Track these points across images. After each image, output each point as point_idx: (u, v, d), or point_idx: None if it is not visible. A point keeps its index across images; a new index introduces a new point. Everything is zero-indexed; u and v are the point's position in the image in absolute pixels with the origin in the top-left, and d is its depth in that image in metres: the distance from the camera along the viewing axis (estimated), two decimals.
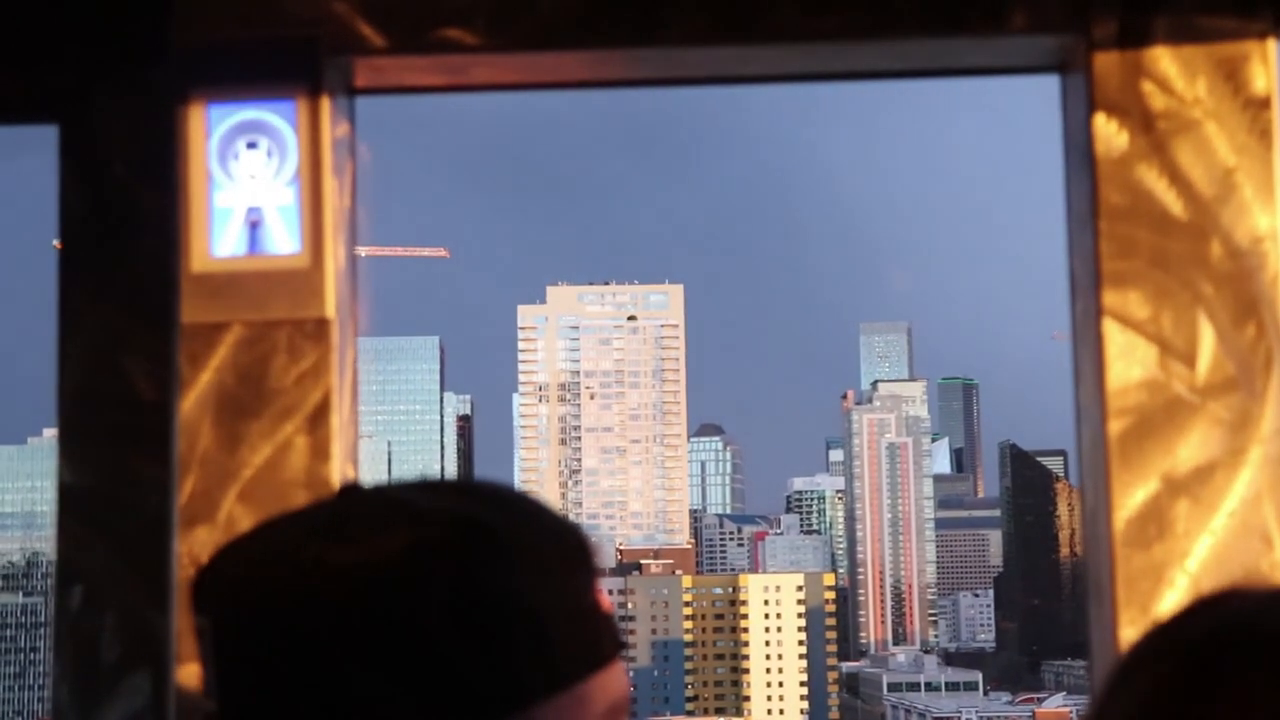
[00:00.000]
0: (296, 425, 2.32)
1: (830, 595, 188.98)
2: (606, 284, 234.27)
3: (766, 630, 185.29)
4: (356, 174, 2.44)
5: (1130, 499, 2.30)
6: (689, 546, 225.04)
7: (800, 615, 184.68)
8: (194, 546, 2.29)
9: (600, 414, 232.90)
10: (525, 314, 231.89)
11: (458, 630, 1.26)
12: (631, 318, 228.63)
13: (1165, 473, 2.31)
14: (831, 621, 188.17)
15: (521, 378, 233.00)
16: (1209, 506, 2.30)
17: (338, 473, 2.31)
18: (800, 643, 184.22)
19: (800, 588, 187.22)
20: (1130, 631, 2.27)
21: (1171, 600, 2.28)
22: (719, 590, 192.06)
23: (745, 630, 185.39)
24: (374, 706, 1.25)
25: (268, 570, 1.30)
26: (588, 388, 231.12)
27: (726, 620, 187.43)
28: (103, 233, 2.36)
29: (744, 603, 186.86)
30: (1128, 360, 2.32)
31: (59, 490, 2.33)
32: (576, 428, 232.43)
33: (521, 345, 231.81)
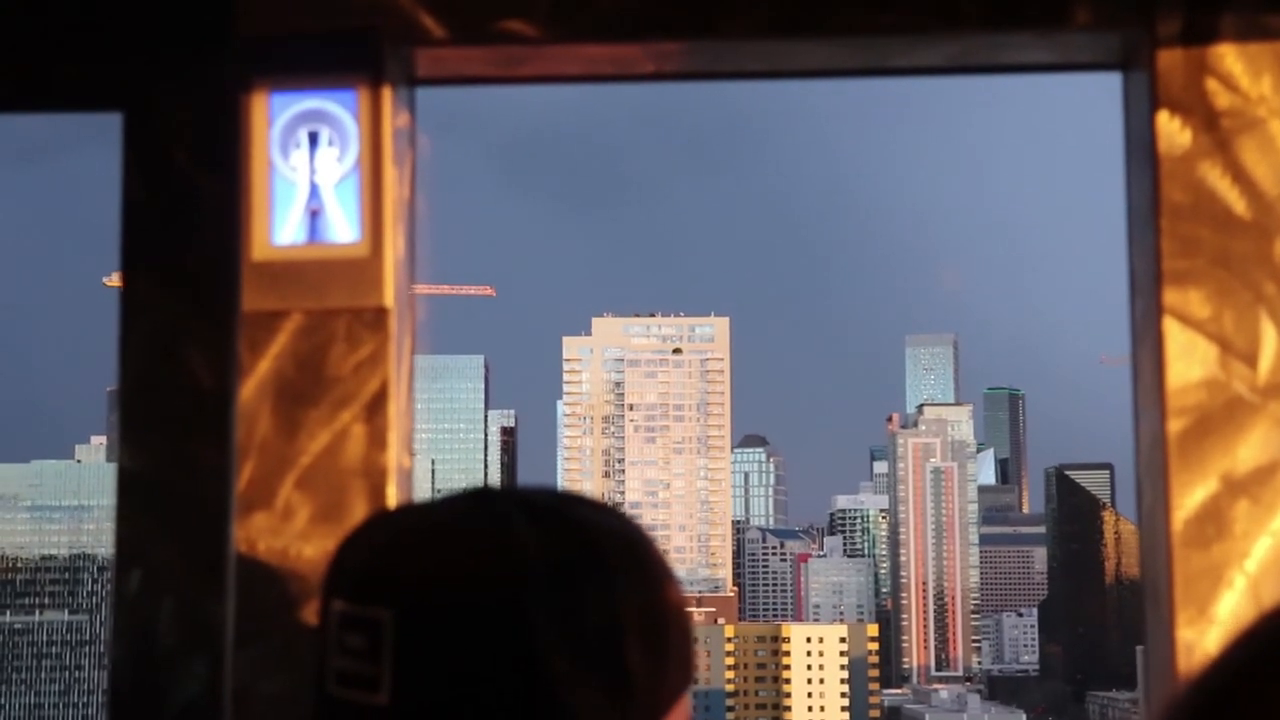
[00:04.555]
0: (354, 413, 2.32)
1: (873, 646, 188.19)
2: (652, 315, 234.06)
3: (809, 682, 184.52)
4: (416, 164, 2.45)
5: (1189, 499, 2.29)
6: (731, 594, 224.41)
7: (843, 667, 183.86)
8: (251, 533, 2.30)
9: (644, 447, 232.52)
10: (570, 345, 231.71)
11: (640, 624, 1.30)
12: (677, 350, 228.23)
13: (1225, 473, 2.29)
14: (874, 673, 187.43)
15: (566, 409, 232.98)
16: (1269, 507, 2.28)
17: (394, 461, 2.32)
18: (843, 695, 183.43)
19: (843, 639, 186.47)
20: (1188, 632, 2.25)
21: (1230, 602, 2.26)
22: (761, 639, 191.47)
23: (788, 681, 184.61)
24: (565, 692, 1.27)
25: (457, 559, 1.30)
26: (631, 420, 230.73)
27: (769, 670, 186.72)
28: (164, 220, 2.38)
29: (786, 653, 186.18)
30: (1188, 359, 2.31)
31: (118, 476, 2.35)
32: (620, 460, 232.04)
33: (566, 377, 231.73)
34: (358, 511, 2.28)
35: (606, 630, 1.29)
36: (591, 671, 1.28)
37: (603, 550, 1.32)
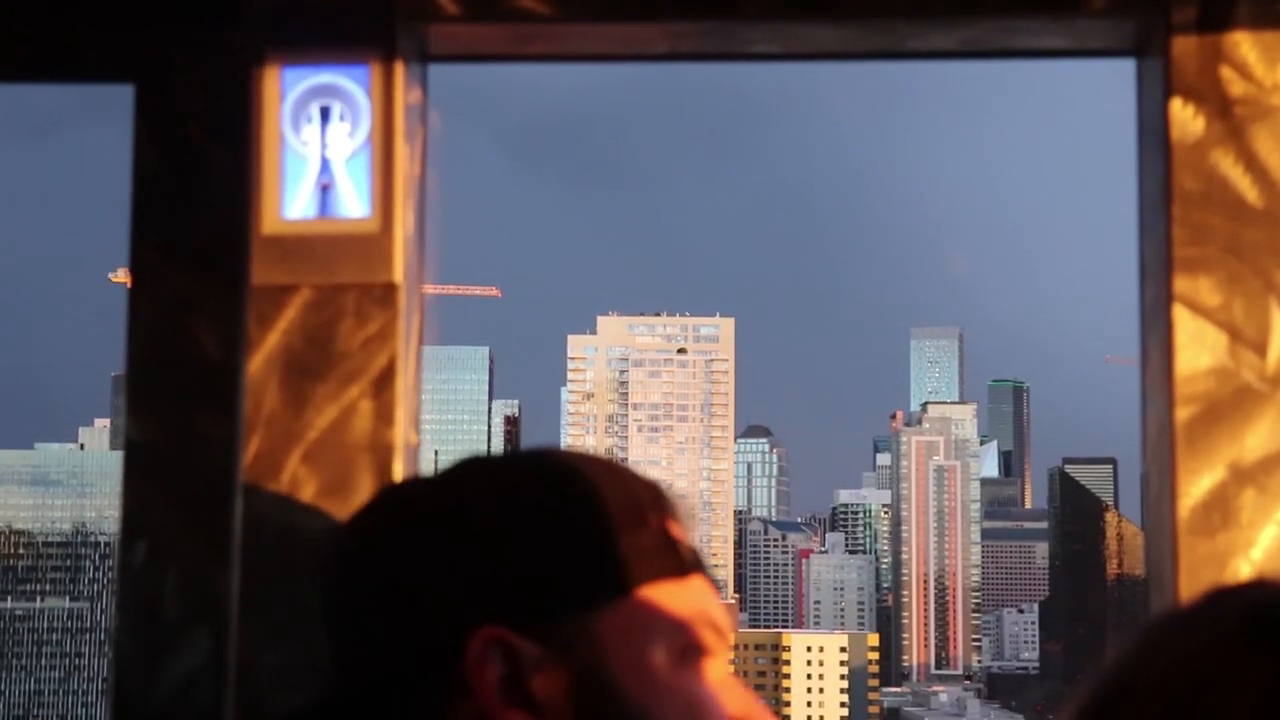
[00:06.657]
0: (362, 389, 2.32)
1: (874, 656, 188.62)
2: (657, 315, 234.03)
3: (809, 690, 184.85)
4: (427, 141, 2.44)
5: (1195, 487, 2.28)
6: (733, 601, 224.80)
7: (843, 676, 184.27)
8: (257, 506, 2.30)
9: (647, 447, 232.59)
10: (575, 344, 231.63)
11: (512, 542, 1.43)
12: (682, 350, 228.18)
13: (1232, 461, 2.28)
14: (874, 682, 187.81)
15: (570, 408, 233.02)
16: (1276, 496, 2.28)
17: (401, 437, 2.32)
18: (842, 704, 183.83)
19: (843, 649, 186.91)
20: None
21: None
22: (761, 648, 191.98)
23: (788, 690, 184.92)
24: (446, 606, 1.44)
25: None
26: (635, 420, 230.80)
27: (769, 678, 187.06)
28: (175, 193, 2.38)
29: (787, 662, 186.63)
30: (1197, 347, 2.30)
31: (126, 447, 2.35)
32: (624, 459, 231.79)
33: (570, 375, 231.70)
34: (364, 487, 2.28)
35: (473, 558, 1.49)
36: (464, 587, 1.48)
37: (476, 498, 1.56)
